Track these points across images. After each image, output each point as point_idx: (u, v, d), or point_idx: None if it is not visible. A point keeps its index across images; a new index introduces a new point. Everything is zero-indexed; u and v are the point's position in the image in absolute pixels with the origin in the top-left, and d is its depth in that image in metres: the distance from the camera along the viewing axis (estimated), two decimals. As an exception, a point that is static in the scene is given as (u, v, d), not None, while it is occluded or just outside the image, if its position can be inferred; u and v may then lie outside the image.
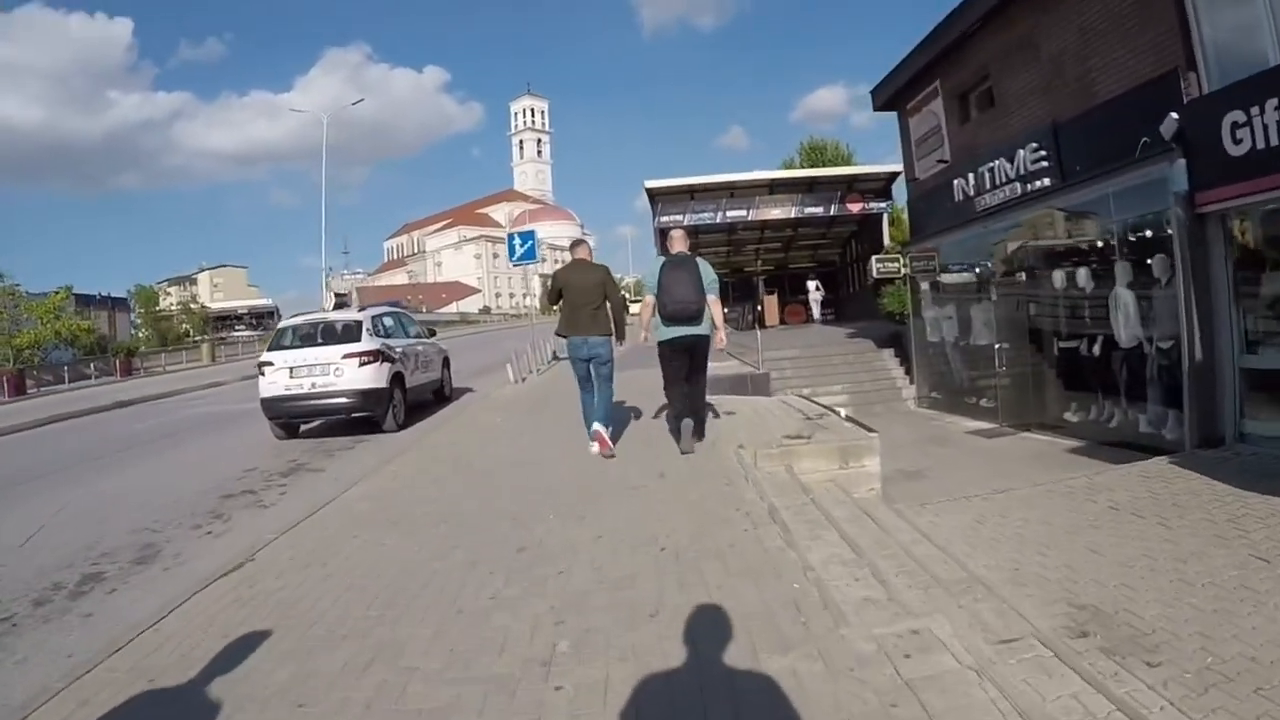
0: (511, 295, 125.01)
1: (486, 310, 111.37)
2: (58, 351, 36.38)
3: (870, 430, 7.16)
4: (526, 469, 6.79)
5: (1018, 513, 7.07)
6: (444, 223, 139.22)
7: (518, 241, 14.88)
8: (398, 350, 10.94)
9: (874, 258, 16.21)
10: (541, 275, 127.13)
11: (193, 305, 68.58)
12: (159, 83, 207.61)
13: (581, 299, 6.83)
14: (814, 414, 8.24)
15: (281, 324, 11.35)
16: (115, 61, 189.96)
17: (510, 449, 7.80)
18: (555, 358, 18.90)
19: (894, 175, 24.40)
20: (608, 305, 6.91)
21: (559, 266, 7.76)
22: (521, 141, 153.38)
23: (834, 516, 5.37)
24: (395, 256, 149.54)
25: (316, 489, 7.67)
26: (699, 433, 7.04)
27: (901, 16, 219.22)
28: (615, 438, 7.38)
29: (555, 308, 7.29)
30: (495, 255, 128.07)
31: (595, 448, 6.93)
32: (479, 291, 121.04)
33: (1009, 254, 12.98)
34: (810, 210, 24.16)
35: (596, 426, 6.95)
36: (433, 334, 13.13)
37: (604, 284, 6.93)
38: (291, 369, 10.33)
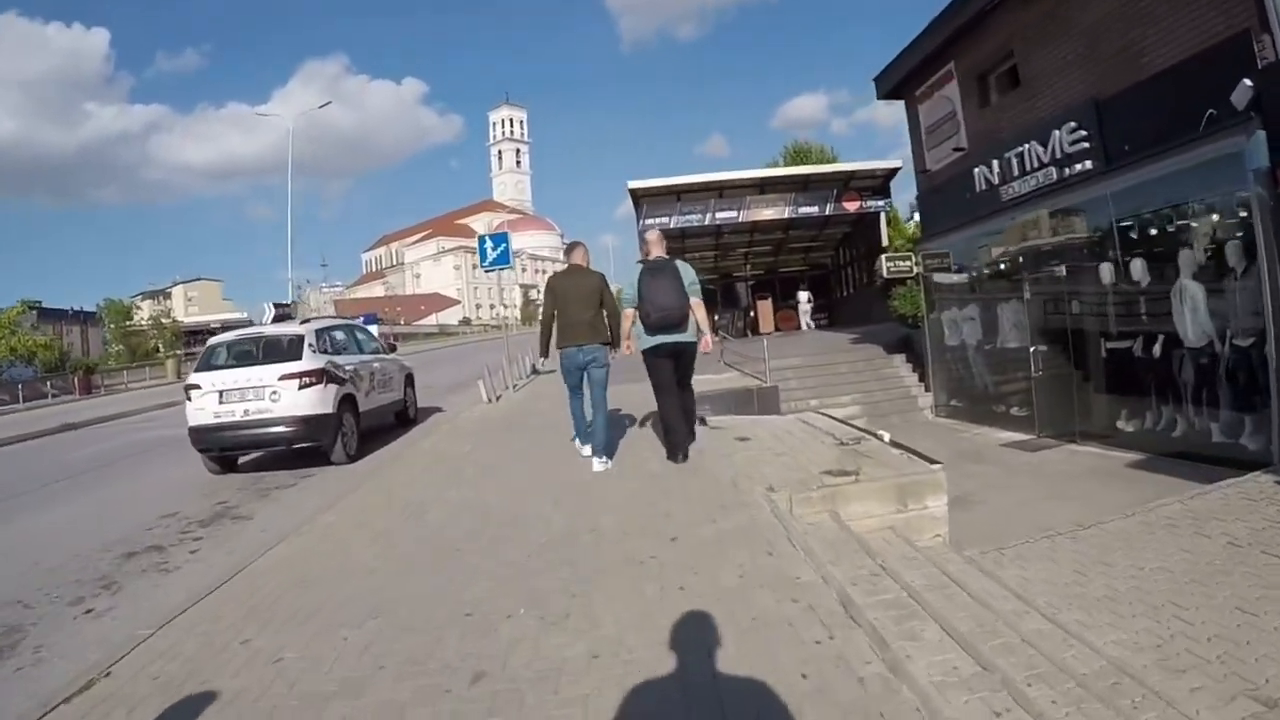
0: (492, 306, 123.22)
1: (466, 321, 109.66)
2: (15, 369, 34.30)
3: (932, 461, 5.69)
4: (493, 524, 5.21)
5: (1120, 556, 5.67)
6: (422, 234, 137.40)
7: (489, 245, 13.20)
8: (348, 369, 9.34)
9: (883, 256, 14.76)
10: (522, 285, 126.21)
11: (164, 319, 66.52)
12: (135, 95, 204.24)
13: (577, 307, 6.50)
14: (849, 438, 6.74)
15: (212, 340, 9.71)
16: (92, 72, 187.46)
17: (475, 492, 6.21)
18: (535, 371, 17.35)
19: (892, 172, 23.08)
20: (604, 313, 6.59)
21: (551, 273, 7.21)
22: (500, 151, 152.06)
23: (916, 589, 3.93)
24: (374, 268, 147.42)
25: (235, 546, 6.24)
26: (689, 434, 6.68)
27: (880, 24, 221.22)
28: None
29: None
30: (474, 266, 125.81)
31: (595, 465, 6.50)
32: (458, 303, 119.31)
33: (1011, 252, 11.74)
34: (804, 210, 22.69)
35: (597, 467, 6.49)
36: (393, 349, 11.50)
37: (600, 290, 6.60)
38: (221, 393, 8.72)
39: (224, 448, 8.99)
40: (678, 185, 21.93)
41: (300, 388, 8.55)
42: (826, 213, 22.81)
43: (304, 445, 8.85)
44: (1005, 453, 11.24)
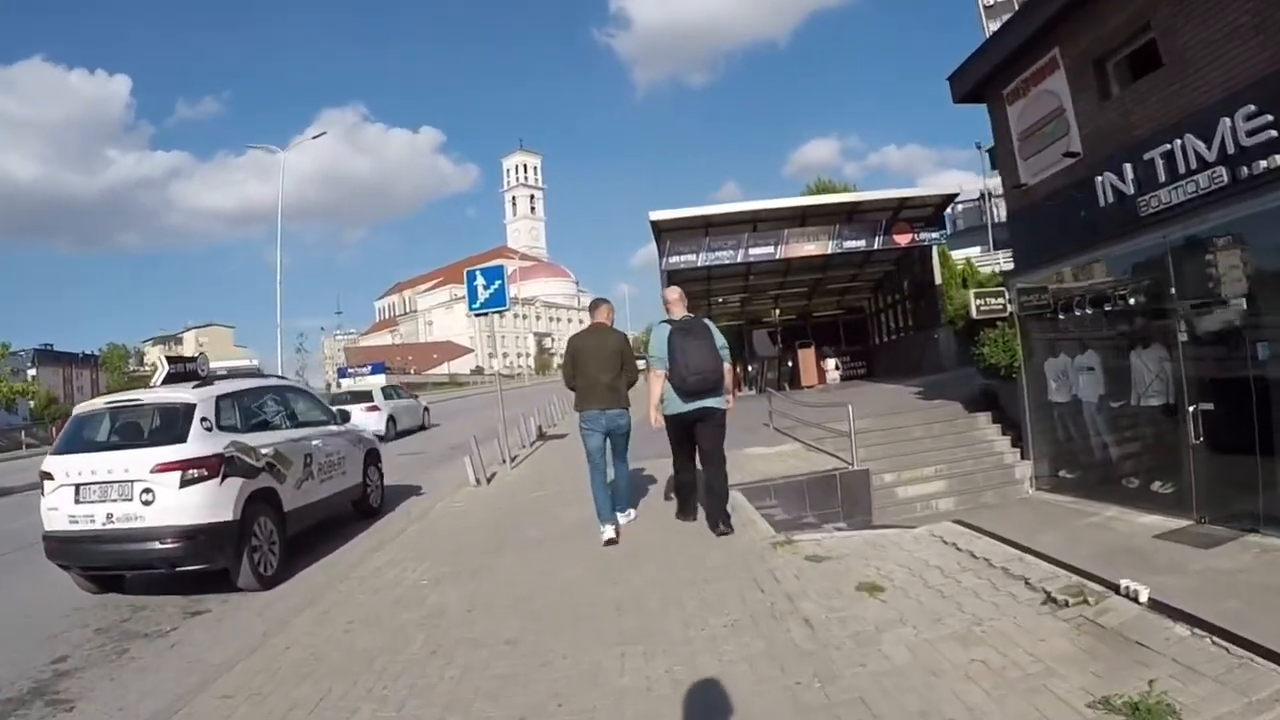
0: (505, 355, 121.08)
1: (479, 370, 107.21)
2: None
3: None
4: None
5: None
6: (435, 281, 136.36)
7: (481, 282, 10.06)
8: (264, 451, 6.55)
9: (973, 292, 11.97)
10: (536, 334, 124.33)
11: (169, 367, 64.47)
12: (157, 141, 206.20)
13: (597, 369, 6.16)
14: (1064, 592, 3.88)
15: (79, 408, 6.98)
16: (114, 119, 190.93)
17: (403, 710, 3.38)
18: (542, 435, 14.58)
19: (948, 199, 20.43)
20: (625, 375, 6.23)
21: (575, 332, 6.84)
22: (514, 198, 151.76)
23: None
24: (387, 316, 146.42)
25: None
26: (724, 521, 5.98)
27: (887, 69, 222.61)
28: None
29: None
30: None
31: (608, 532, 6.10)
32: (471, 351, 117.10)
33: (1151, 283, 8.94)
34: (849, 244, 19.83)
35: (615, 523, 6.22)
36: (345, 418, 8.67)
37: (621, 352, 6.28)
38: (78, 487, 6.01)
39: (85, 565, 6.27)
40: (706, 216, 19.13)
41: (183, 484, 5.80)
42: (874, 246, 19.95)
43: (192, 569, 6.05)
44: (1171, 550, 8.25)
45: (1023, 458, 12.09)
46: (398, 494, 10.03)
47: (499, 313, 10.30)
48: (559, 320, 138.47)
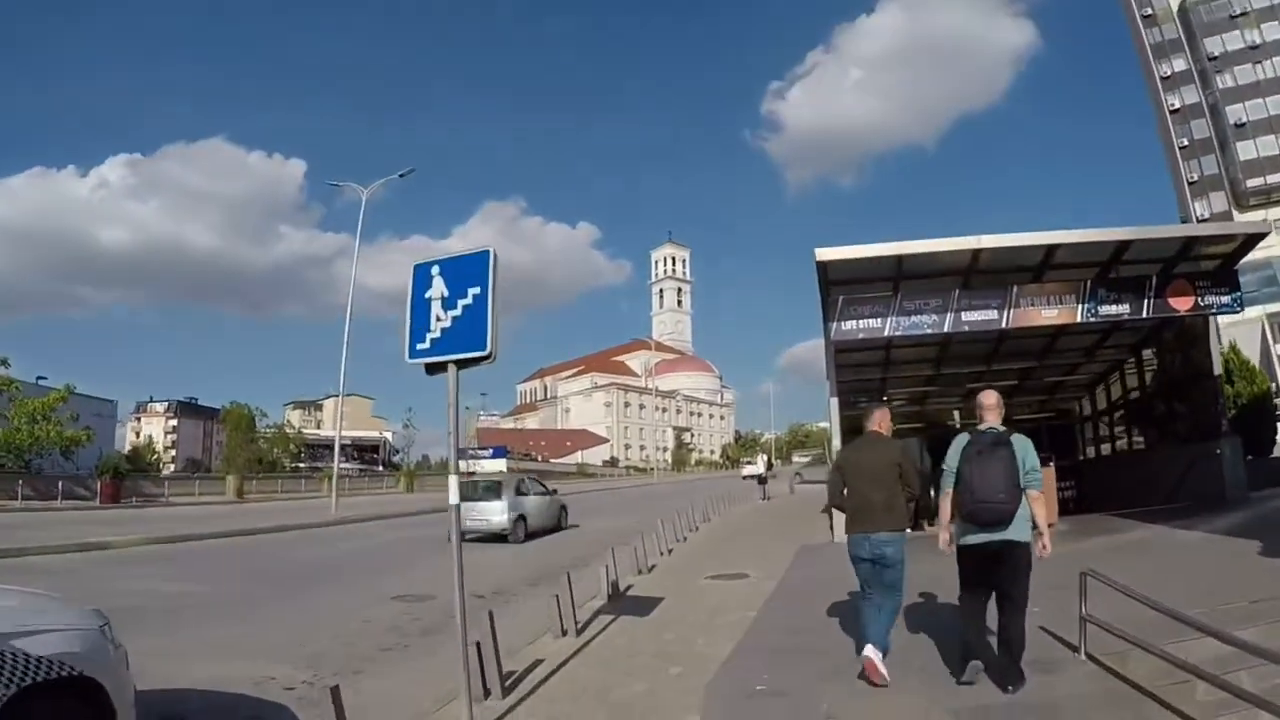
0: (642, 447, 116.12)
1: (613, 462, 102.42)
2: (41, 459, 29.38)
3: None
4: None
5: None
6: (577, 369, 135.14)
7: (438, 291, 4.71)
8: None
9: None
10: (676, 429, 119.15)
11: (288, 430, 63.43)
12: (325, 223, 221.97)
13: (868, 485, 5.28)
14: None
15: None
16: (287, 199, 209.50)
17: None
18: (616, 594, 8.69)
19: (1253, 240, 13.36)
20: (905, 491, 5.29)
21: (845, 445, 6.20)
22: (661, 290, 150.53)
23: None
24: (527, 400, 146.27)
25: None
26: (1016, 678, 4.74)
27: (1039, 168, 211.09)
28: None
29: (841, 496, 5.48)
30: (626, 404, 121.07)
31: (867, 650, 5.09)
32: (607, 441, 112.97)
33: None
34: (1107, 309, 12.98)
35: (868, 652, 5.05)
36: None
37: (899, 464, 5.29)
38: None
39: None
40: (901, 257, 12.88)
41: None
42: (1143, 313, 13.14)
43: None
44: None
45: None
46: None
47: (466, 362, 4.55)
48: (699, 415, 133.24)
